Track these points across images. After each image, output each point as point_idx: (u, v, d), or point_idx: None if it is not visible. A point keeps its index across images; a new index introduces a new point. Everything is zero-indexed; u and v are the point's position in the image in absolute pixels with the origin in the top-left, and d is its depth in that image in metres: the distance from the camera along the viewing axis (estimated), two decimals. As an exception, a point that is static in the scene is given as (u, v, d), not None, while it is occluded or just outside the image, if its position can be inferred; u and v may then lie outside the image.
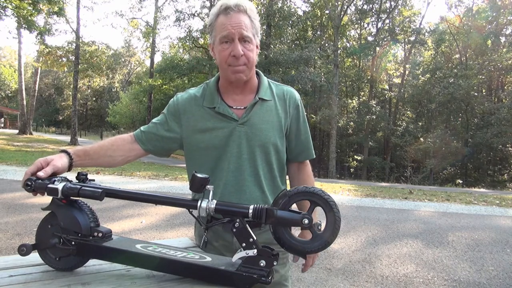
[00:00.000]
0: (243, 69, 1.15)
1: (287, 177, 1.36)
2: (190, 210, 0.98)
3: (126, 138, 1.26)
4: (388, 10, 25.77)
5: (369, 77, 26.82)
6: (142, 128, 1.29)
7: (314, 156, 1.37)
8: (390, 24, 26.31)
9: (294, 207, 1.01)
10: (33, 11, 15.44)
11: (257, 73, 1.29)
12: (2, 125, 39.36)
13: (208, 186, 0.96)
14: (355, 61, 28.68)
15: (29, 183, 0.99)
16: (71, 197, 1.00)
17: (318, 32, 27.91)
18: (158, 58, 31.27)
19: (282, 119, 1.24)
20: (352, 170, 26.20)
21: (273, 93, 1.26)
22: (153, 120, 1.30)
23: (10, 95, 48.10)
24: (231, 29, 1.11)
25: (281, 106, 1.25)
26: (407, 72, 27.73)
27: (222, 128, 1.20)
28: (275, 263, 0.92)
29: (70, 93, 37.64)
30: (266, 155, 1.22)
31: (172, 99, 1.30)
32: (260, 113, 1.21)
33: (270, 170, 1.24)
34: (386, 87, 29.19)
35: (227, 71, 1.17)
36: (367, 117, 24.06)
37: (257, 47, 1.19)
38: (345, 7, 24.61)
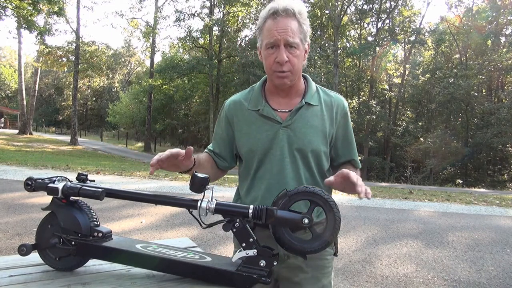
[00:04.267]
0: (287, 75, 1.14)
1: None
2: (190, 210, 0.98)
3: (213, 163, 1.31)
4: (388, 10, 25.74)
5: (369, 77, 26.79)
6: (211, 148, 1.32)
7: (360, 165, 1.33)
8: (390, 24, 26.28)
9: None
10: (33, 11, 15.44)
11: (305, 78, 1.28)
12: (2, 125, 39.34)
13: (208, 186, 0.96)
14: (355, 61, 28.64)
15: (29, 182, 0.99)
16: (71, 197, 1.00)
17: (318, 32, 27.89)
18: (158, 58, 31.27)
19: (327, 126, 1.22)
20: (352, 170, 26.14)
21: (321, 99, 1.25)
22: (214, 135, 1.33)
23: (10, 95, 48.08)
24: (277, 35, 1.10)
25: (328, 113, 1.23)
26: (407, 72, 27.70)
27: (266, 130, 1.20)
28: (275, 263, 0.93)
29: (70, 93, 37.63)
30: (305, 159, 1.20)
31: (221, 108, 1.33)
32: (305, 117, 1.20)
33: (311, 175, 1.22)
34: (386, 87, 29.16)
35: (272, 76, 1.17)
36: (367, 117, 24.02)
37: (305, 51, 1.18)
38: (345, 7, 24.60)
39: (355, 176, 0.98)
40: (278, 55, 1.11)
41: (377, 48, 25.15)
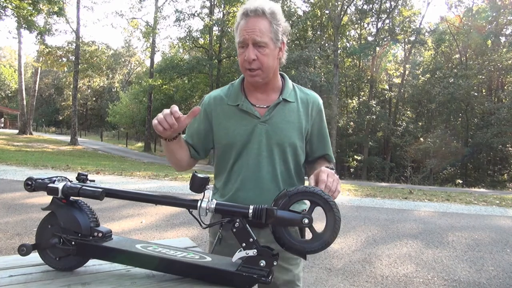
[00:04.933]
0: (257, 73, 1.19)
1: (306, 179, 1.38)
2: (190, 210, 0.98)
3: (187, 149, 1.32)
4: (388, 10, 25.73)
5: (369, 77, 26.80)
6: (184, 137, 1.33)
7: (333, 159, 1.39)
8: (390, 24, 26.28)
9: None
10: (33, 11, 15.47)
11: (282, 76, 1.33)
12: (2, 125, 39.33)
13: (208, 186, 0.96)
14: (355, 61, 28.64)
15: (29, 182, 0.99)
16: (71, 197, 1.00)
17: (318, 32, 27.89)
18: (158, 58, 31.26)
19: (303, 122, 1.27)
20: (352, 170, 26.19)
21: (297, 96, 1.30)
22: (188, 127, 1.34)
23: (10, 95, 48.08)
24: (246, 34, 1.15)
25: (304, 110, 1.29)
26: (407, 72, 27.70)
27: (244, 125, 1.24)
28: (275, 263, 0.93)
29: (70, 93, 37.63)
30: (283, 153, 1.25)
31: (200, 102, 1.35)
32: (282, 113, 1.25)
33: (287, 169, 1.27)
34: (386, 87, 29.16)
35: (245, 74, 1.22)
36: (367, 117, 24.03)
37: (280, 49, 1.22)
38: (345, 7, 24.59)
39: (324, 181, 1.05)
40: (247, 53, 1.15)
41: (377, 48, 25.16)
